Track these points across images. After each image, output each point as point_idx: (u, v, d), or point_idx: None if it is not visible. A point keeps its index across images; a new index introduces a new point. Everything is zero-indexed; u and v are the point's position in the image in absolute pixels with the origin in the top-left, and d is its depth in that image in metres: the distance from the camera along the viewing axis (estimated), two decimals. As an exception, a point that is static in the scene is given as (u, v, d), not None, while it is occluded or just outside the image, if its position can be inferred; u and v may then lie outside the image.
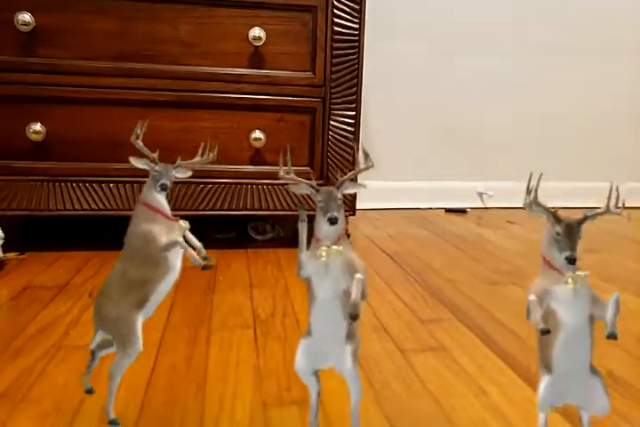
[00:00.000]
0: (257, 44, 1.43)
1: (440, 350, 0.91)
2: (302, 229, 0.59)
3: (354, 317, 0.56)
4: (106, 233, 1.29)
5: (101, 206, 1.40)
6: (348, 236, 1.35)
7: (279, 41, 1.45)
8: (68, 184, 1.38)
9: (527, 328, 0.58)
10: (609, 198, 0.56)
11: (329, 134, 1.49)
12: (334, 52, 1.47)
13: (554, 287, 0.55)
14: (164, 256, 0.65)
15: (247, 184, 1.47)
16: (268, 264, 1.39)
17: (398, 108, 2.26)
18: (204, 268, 0.64)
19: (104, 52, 1.37)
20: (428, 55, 2.25)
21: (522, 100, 2.38)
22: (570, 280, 0.54)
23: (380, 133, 2.20)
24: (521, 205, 0.58)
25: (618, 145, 2.51)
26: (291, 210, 1.49)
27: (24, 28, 1.32)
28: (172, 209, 0.68)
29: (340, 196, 0.59)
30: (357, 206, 1.59)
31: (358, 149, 0.64)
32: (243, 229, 1.66)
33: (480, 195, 2.35)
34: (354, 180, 0.63)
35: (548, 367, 0.56)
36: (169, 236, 0.65)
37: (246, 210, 1.48)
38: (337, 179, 0.61)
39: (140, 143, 0.68)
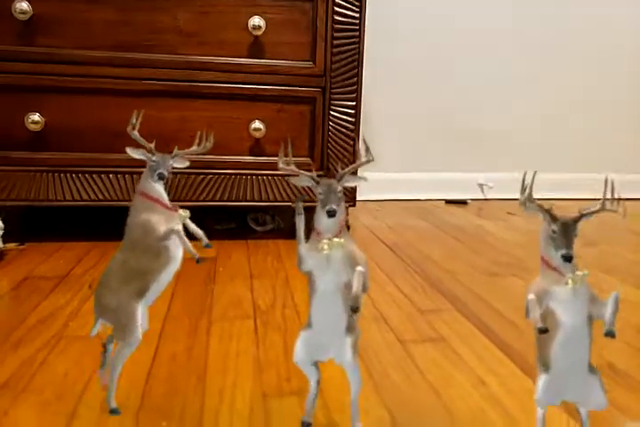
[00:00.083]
0: (257, 34, 1.42)
1: (439, 340, 0.91)
2: (300, 222, 0.59)
3: (355, 309, 0.56)
4: (106, 224, 1.30)
5: (101, 197, 1.40)
6: (349, 227, 1.35)
7: (279, 30, 1.44)
8: (68, 175, 1.38)
9: (526, 319, 0.58)
10: (604, 195, 0.56)
11: (329, 125, 1.49)
12: (334, 42, 1.46)
13: (553, 288, 0.55)
14: (164, 246, 0.65)
15: (247, 175, 1.47)
16: (269, 255, 1.39)
17: (398, 99, 2.25)
18: (199, 260, 0.64)
19: (103, 42, 1.36)
20: (428, 45, 2.24)
21: (522, 91, 2.37)
22: (570, 281, 0.54)
23: (380, 124, 2.20)
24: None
25: (617, 135, 2.50)
26: (291, 201, 1.49)
27: (21, 17, 1.31)
28: (172, 200, 0.68)
29: (340, 188, 0.59)
30: (357, 198, 1.59)
31: (359, 142, 0.63)
32: (243, 220, 1.66)
33: (480, 186, 2.35)
34: (354, 173, 0.62)
35: (545, 366, 0.57)
36: (168, 225, 0.64)
37: (246, 201, 1.48)
38: (337, 170, 0.61)
39: (136, 133, 0.68)
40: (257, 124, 1.45)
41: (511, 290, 1.19)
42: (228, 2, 1.41)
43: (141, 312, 0.66)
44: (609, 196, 0.56)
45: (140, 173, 0.68)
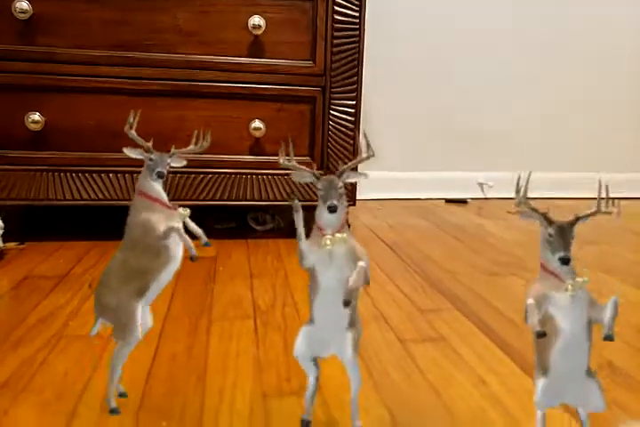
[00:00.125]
0: (257, 33, 1.41)
1: (439, 340, 0.91)
2: (298, 219, 0.59)
3: (346, 303, 0.56)
4: (106, 223, 1.30)
5: (101, 196, 1.39)
6: (349, 226, 1.35)
7: (279, 29, 1.43)
8: (68, 174, 1.38)
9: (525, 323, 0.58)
10: (599, 197, 0.56)
11: (329, 124, 1.49)
12: (334, 41, 1.45)
13: (552, 293, 0.55)
14: (165, 245, 0.65)
15: (247, 174, 1.46)
16: (269, 255, 1.39)
17: (398, 98, 2.25)
18: (193, 258, 0.64)
19: (102, 41, 1.36)
20: (428, 44, 2.24)
21: (522, 90, 2.37)
22: (569, 287, 0.54)
23: (380, 123, 2.19)
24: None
25: (617, 135, 2.50)
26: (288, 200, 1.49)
27: (21, 16, 1.31)
28: (173, 199, 0.68)
29: (340, 184, 0.59)
30: (358, 196, 1.59)
31: (360, 137, 0.63)
32: (243, 219, 1.66)
33: (480, 185, 2.35)
34: (355, 169, 0.62)
35: (544, 369, 0.57)
36: (168, 223, 0.64)
37: (246, 200, 1.48)
38: (337, 169, 0.61)
39: (133, 133, 0.68)
40: (257, 123, 1.45)
41: (511, 289, 1.19)
42: (228, 1, 1.40)
43: (143, 311, 0.66)
44: (603, 197, 0.56)
45: (140, 173, 0.68)
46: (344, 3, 1.44)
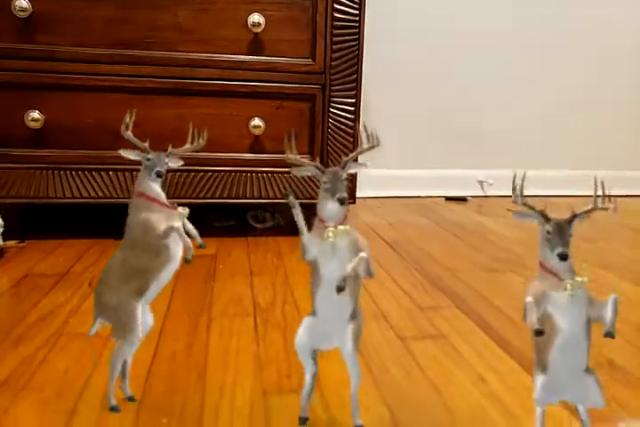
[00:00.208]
0: (256, 31, 1.41)
1: (439, 337, 0.91)
2: (297, 214, 0.59)
3: (339, 289, 0.56)
4: (106, 221, 1.30)
5: (100, 194, 1.39)
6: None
7: (279, 27, 1.43)
8: (67, 172, 1.38)
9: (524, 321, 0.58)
10: (595, 194, 0.56)
11: (329, 122, 1.48)
12: (334, 39, 1.45)
13: (551, 293, 0.55)
14: (165, 245, 0.65)
15: (246, 172, 1.46)
16: (268, 252, 1.39)
17: (398, 96, 2.25)
18: (187, 261, 0.65)
19: (102, 39, 1.36)
20: (429, 43, 2.24)
21: (522, 89, 2.36)
22: (568, 286, 0.54)
23: (380, 121, 2.19)
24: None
25: (616, 134, 2.50)
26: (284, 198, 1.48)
27: (21, 14, 1.30)
28: (172, 197, 0.68)
29: (345, 176, 0.59)
30: (357, 194, 1.59)
31: (360, 129, 0.64)
32: (242, 217, 1.66)
33: (480, 183, 2.35)
34: (355, 160, 0.63)
35: (543, 367, 0.57)
36: (168, 223, 0.64)
37: (246, 198, 1.48)
38: (339, 163, 0.61)
39: (129, 134, 0.68)
40: (256, 121, 1.45)
41: (511, 286, 1.19)
42: (228, -1, 1.40)
43: (143, 310, 0.66)
44: (599, 194, 0.56)
45: (140, 171, 0.68)
46: (344, 1, 1.44)
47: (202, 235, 0.68)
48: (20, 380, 0.73)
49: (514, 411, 0.69)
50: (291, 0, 1.43)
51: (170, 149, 0.68)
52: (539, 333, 0.54)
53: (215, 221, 1.64)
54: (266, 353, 0.84)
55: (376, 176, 2.17)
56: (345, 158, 0.61)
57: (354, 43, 1.46)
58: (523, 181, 0.56)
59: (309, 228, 0.60)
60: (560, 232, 0.54)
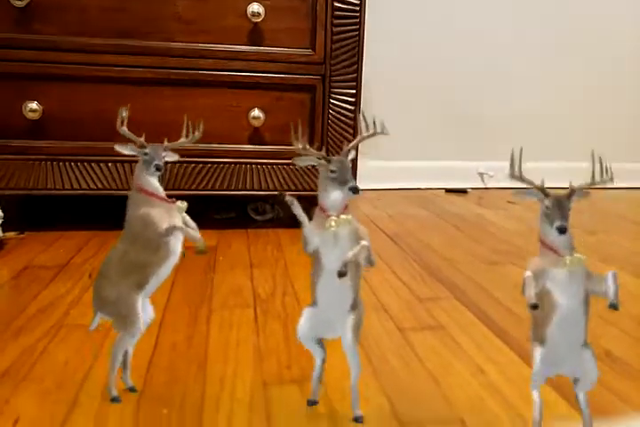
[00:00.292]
0: (256, 21, 1.40)
1: (438, 328, 0.92)
2: (298, 210, 0.59)
3: (340, 274, 0.56)
4: (105, 213, 1.29)
5: (100, 186, 1.39)
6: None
7: (278, 17, 1.42)
8: (66, 163, 1.37)
9: (525, 307, 0.58)
10: (593, 170, 0.56)
11: (329, 113, 1.48)
12: (334, 29, 1.44)
13: (550, 269, 0.55)
14: (164, 240, 0.65)
15: (246, 164, 1.46)
16: (268, 244, 1.39)
17: (399, 87, 2.24)
18: (199, 252, 0.65)
19: (100, 29, 1.35)
20: (429, 35, 2.22)
21: (523, 79, 2.35)
22: (567, 261, 0.54)
23: (380, 112, 2.18)
24: (522, 186, 0.58)
25: (618, 122, 2.49)
26: (290, 190, 1.48)
27: (18, 4, 1.29)
28: (171, 189, 0.68)
29: (350, 164, 0.59)
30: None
31: (360, 118, 0.63)
32: (242, 209, 1.66)
33: (481, 175, 2.34)
34: (355, 148, 0.63)
35: (541, 341, 0.57)
36: (170, 220, 0.64)
37: (246, 190, 1.47)
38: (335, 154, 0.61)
39: (124, 129, 0.67)
40: (256, 112, 1.44)
41: (510, 278, 1.19)
42: (227, -12, 1.39)
43: (143, 303, 0.66)
44: (597, 169, 0.56)
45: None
46: (344, -10, 1.43)
47: (202, 227, 0.68)
48: (20, 371, 0.74)
49: (513, 402, 0.70)
50: (290, -10, 1.42)
51: (166, 142, 0.68)
52: (534, 307, 0.54)
53: (215, 213, 1.64)
54: (266, 344, 0.84)
55: (375, 168, 2.16)
56: (347, 147, 0.61)
57: (354, 33, 1.45)
58: (521, 155, 0.56)
59: (309, 218, 0.60)
60: (559, 207, 0.54)
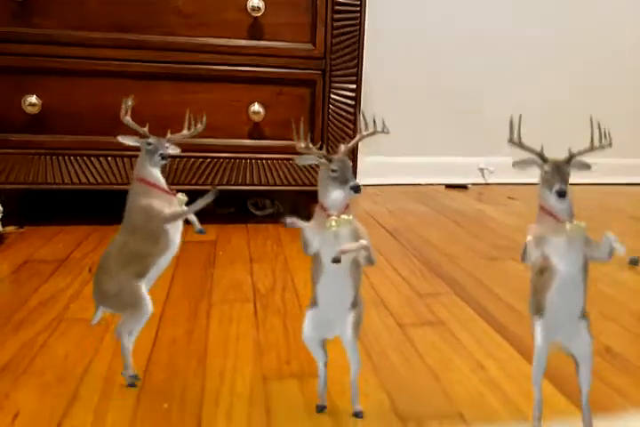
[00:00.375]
0: (256, 15, 1.39)
1: (438, 324, 0.92)
2: (300, 224, 0.59)
3: (335, 260, 0.56)
4: (105, 207, 1.29)
5: (100, 180, 1.39)
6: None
7: (279, 11, 1.41)
8: (66, 157, 1.37)
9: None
10: (592, 135, 0.56)
11: (329, 108, 1.47)
12: (335, 24, 1.43)
13: (549, 236, 0.55)
14: (164, 231, 0.65)
15: (246, 159, 1.46)
16: (268, 239, 1.39)
17: (399, 83, 2.23)
18: (200, 232, 0.66)
19: (100, 23, 1.34)
20: (429, 30, 2.21)
21: (523, 75, 2.35)
22: (568, 229, 0.54)
23: (380, 108, 2.17)
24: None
25: (618, 119, 2.48)
26: (290, 185, 1.47)
27: (17, -3, 1.28)
28: (172, 184, 0.68)
29: (351, 163, 0.59)
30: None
31: (361, 116, 0.63)
32: (242, 204, 1.66)
33: (481, 170, 2.34)
34: (355, 146, 0.63)
35: (540, 310, 0.57)
36: (171, 208, 0.65)
37: (245, 185, 1.47)
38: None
39: (128, 119, 0.67)
40: (256, 107, 1.44)
41: (510, 274, 1.19)
42: (227, -18, 1.38)
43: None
44: (596, 134, 0.56)
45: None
46: (345, -16, 1.42)
47: (201, 221, 0.68)
48: (20, 364, 0.74)
49: (513, 398, 0.70)
50: (291, -17, 1.41)
51: (169, 135, 0.68)
52: (540, 272, 0.55)
53: (215, 207, 1.64)
54: (266, 339, 0.84)
55: (375, 163, 2.16)
56: (347, 146, 0.61)
57: (355, 27, 1.45)
58: (520, 121, 0.56)
59: (310, 217, 0.60)
60: (558, 171, 0.55)
